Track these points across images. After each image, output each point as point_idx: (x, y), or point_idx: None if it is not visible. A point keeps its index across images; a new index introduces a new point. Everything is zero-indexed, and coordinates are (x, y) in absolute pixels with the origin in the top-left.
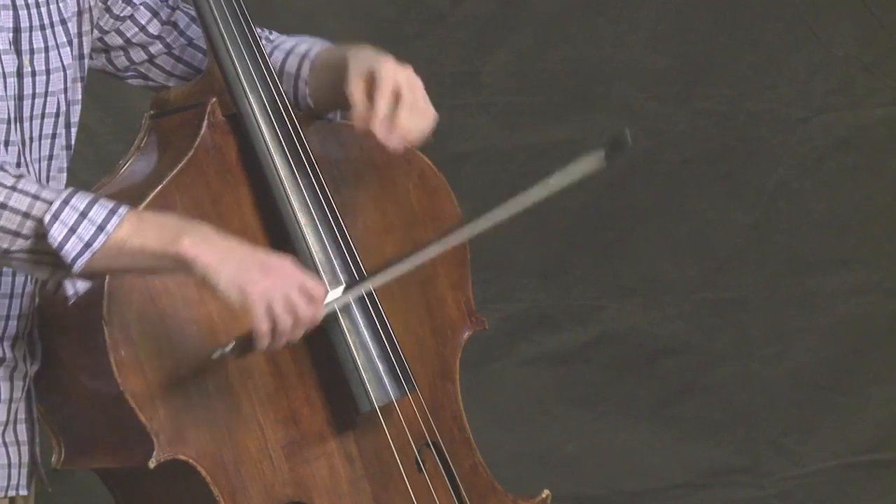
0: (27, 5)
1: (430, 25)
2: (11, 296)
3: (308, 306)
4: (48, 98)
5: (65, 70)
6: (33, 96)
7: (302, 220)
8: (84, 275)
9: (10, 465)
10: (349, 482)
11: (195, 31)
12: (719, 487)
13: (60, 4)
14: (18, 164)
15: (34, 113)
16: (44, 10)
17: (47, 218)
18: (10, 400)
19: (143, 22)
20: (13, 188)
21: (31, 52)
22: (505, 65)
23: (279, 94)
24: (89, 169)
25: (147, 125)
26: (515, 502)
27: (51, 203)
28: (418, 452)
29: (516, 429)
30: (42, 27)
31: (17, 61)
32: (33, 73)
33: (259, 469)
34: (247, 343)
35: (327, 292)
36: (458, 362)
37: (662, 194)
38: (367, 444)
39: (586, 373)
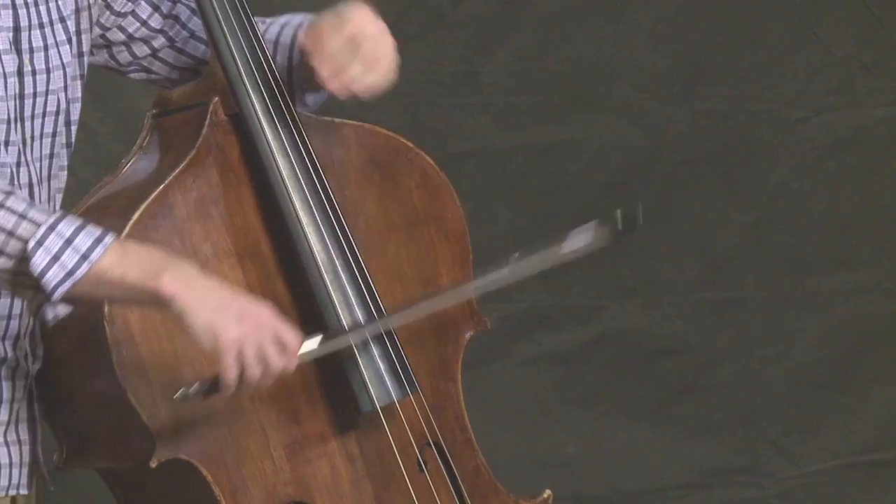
0: (26, 4)
1: (430, 25)
2: (13, 295)
3: (280, 356)
4: (48, 96)
5: (64, 68)
6: (34, 95)
7: (304, 219)
8: (63, 300)
9: (11, 464)
10: (350, 482)
11: (197, 24)
12: (719, 487)
13: (59, 2)
14: (18, 164)
15: (35, 112)
16: (42, 8)
17: (31, 244)
18: (12, 399)
19: (144, 17)
20: (1, 205)
21: (31, 50)
22: (505, 65)
23: (282, 94)
24: (89, 168)
25: (149, 124)
26: (517, 502)
27: (38, 226)
28: (420, 452)
29: (516, 429)
30: (41, 25)
31: (17, 61)
32: (33, 72)
33: (260, 469)
34: (212, 386)
35: (301, 343)
36: (461, 362)
37: (662, 194)
38: (368, 444)
39: (586, 373)
